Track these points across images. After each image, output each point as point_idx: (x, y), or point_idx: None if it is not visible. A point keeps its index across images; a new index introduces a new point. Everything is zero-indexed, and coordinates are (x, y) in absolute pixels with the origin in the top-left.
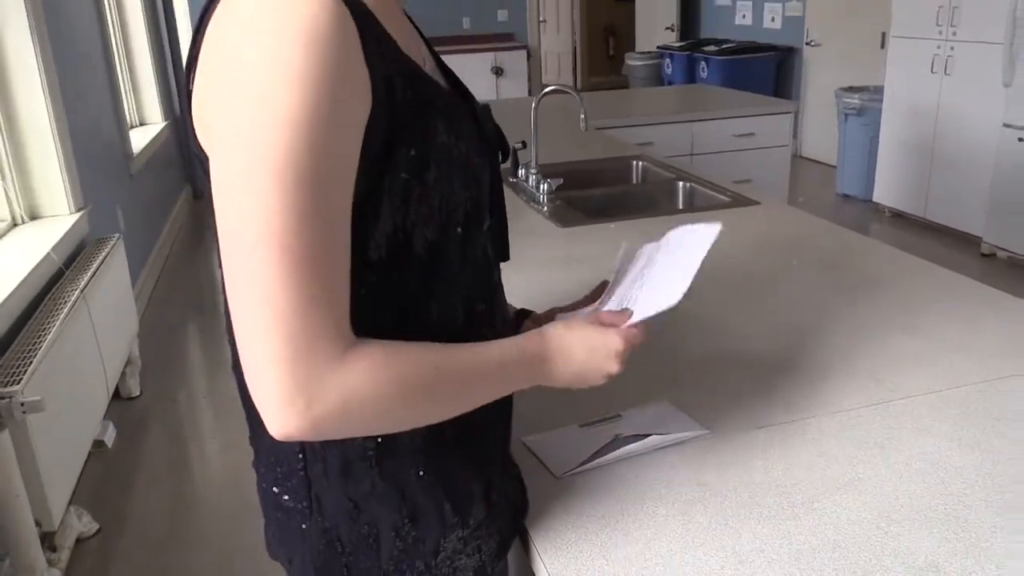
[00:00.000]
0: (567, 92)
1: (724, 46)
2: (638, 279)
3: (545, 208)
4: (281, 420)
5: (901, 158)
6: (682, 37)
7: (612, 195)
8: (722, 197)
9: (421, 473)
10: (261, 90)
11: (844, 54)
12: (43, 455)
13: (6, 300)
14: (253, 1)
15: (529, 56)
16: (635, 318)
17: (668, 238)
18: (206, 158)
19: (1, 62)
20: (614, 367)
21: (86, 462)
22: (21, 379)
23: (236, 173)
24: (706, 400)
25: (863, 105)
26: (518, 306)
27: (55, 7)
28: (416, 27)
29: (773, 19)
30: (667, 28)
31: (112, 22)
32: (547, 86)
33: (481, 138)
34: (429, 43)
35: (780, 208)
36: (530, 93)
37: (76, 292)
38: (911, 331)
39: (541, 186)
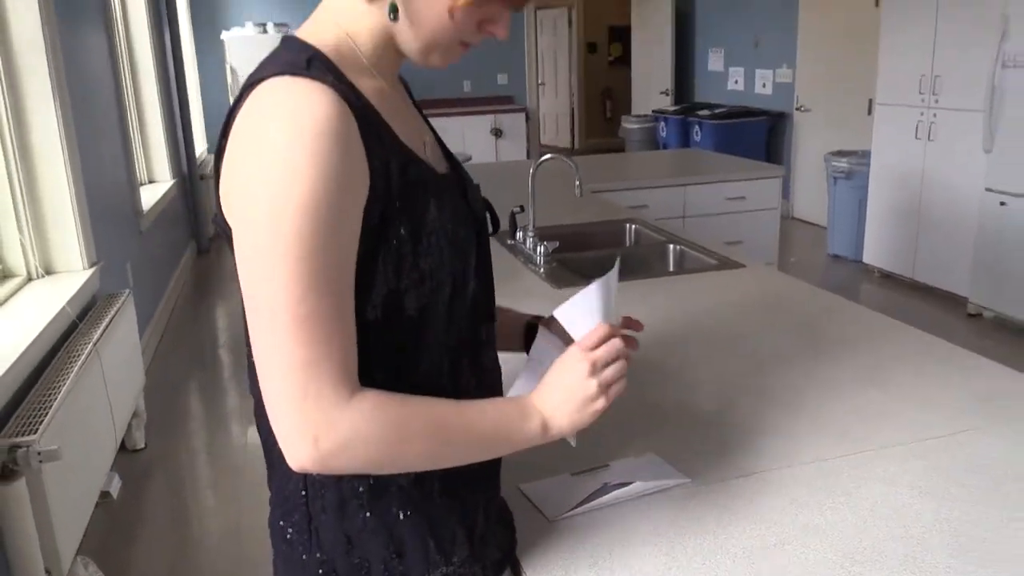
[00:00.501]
0: (564, 160)
1: (717, 111)
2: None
3: (542, 269)
4: (296, 454)
5: (889, 220)
6: (677, 101)
7: (605, 257)
8: (710, 260)
9: (408, 513)
10: (276, 181)
11: (833, 119)
12: (55, 504)
13: (24, 352)
14: (273, 102)
15: (528, 118)
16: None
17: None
18: (230, 230)
19: (24, 123)
20: (591, 387)
21: (93, 512)
22: (38, 429)
23: (256, 250)
24: (688, 451)
25: (851, 169)
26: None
27: (76, 70)
28: (411, 96)
29: (764, 85)
30: (662, 92)
31: (126, 83)
32: (545, 147)
33: (469, 214)
34: (428, 120)
35: (764, 271)
36: (528, 154)
37: (89, 346)
38: (881, 387)
39: (538, 248)
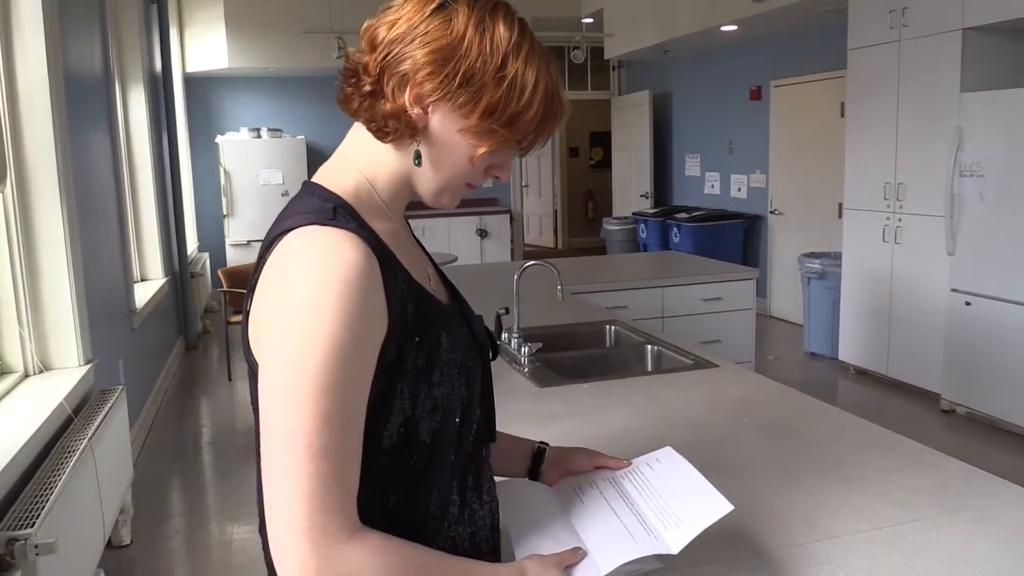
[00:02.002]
0: (546, 265)
1: (695, 213)
2: (636, 512)
3: (526, 369)
4: None
5: (862, 319)
6: (656, 204)
7: (586, 357)
8: (686, 360)
9: None
10: (304, 323)
11: (805, 222)
12: None
13: (22, 447)
14: (302, 250)
15: (512, 219)
16: (613, 565)
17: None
18: (255, 364)
19: (30, 221)
20: None
21: None
22: (35, 522)
23: (280, 384)
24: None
25: (824, 270)
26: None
27: (81, 171)
28: (417, 240)
29: (739, 189)
30: (642, 195)
31: (125, 183)
32: (530, 246)
33: (474, 342)
34: (427, 252)
35: (736, 370)
36: (513, 254)
37: (84, 441)
38: (843, 480)
39: (522, 349)
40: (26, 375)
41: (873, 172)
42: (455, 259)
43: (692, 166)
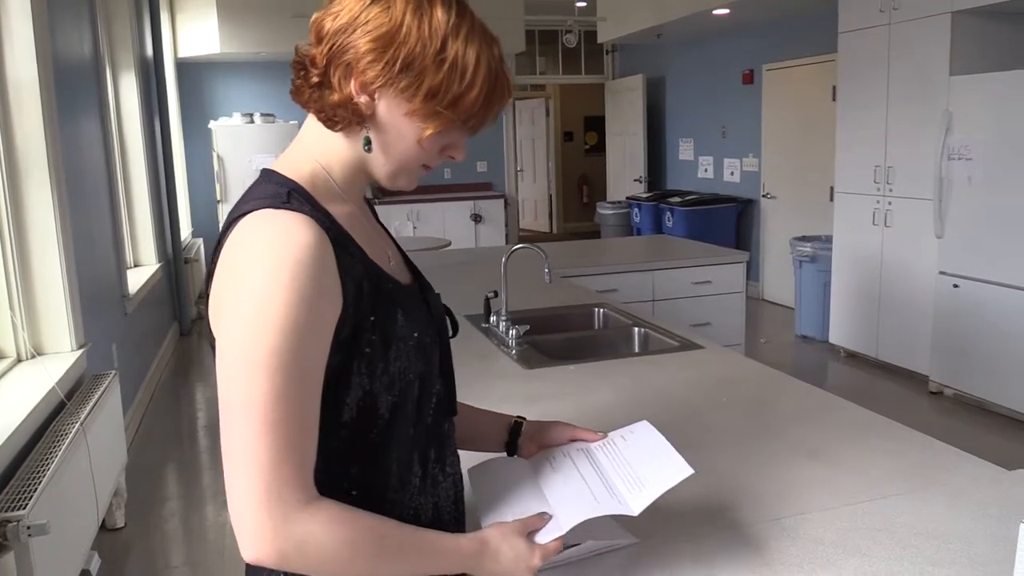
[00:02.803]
0: (534, 248)
1: (688, 197)
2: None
3: (513, 352)
4: (252, 548)
5: (852, 302)
6: (650, 188)
7: (574, 340)
8: (672, 342)
9: None
10: (259, 303)
11: (797, 206)
12: None
13: (15, 430)
14: (257, 233)
15: (507, 204)
16: (571, 523)
17: (624, 445)
18: (214, 340)
19: (21, 208)
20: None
21: None
22: (27, 504)
23: (237, 360)
24: (639, 515)
25: (815, 253)
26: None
27: (72, 158)
28: (375, 215)
29: (732, 173)
30: (636, 179)
31: (117, 170)
32: (524, 231)
33: (431, 320)
34: (391, 234)
35: (721, 352)
36: (507, 239)
37: (76, 425)
38: (815, 458)
39: (510, 332)
40: (18, 360)
41: (863, 155)
42: (449, 243)
43: (686, 150)
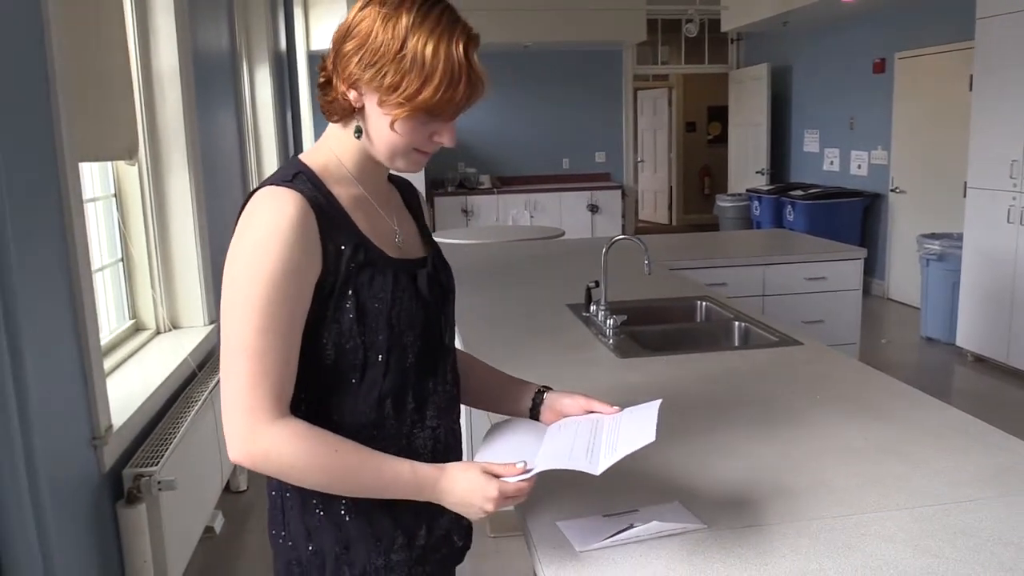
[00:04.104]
0: (634, 240)
1: (811, 191)
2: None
3: (610, 341)
4: (231, 450)
5: (982, 304)
6: (772, 180)
7: (673, 331)
8: (771, 337)
9: (353, 515)
10: (250, 260)
11: (927, 201)
12: (168, 532)
13: (151, 395)
14: (258, 205)
15: (624, 195)
16: (539, 468)
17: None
18: None
19: (163, 193)
20: (488, 507)
21: (197, 545)
22: (159, 461)
23: (232, 304)
24: (711, 502)
25: (943, 251)
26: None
27: (209, 144)
28: (414, 201)
29: (859, 166)
30: (758, 172)
31: (250, 154)
32: (643, 222)
33: (415, 291)
34: (423, 220)
35: (820, 350)
36: (623, 230)
37: (205, 393)
38: (900, 457)
39: (608, 321)
40: (158, 332)
41: (1000, 149)
42: (562, 233)
43: (811, 142)
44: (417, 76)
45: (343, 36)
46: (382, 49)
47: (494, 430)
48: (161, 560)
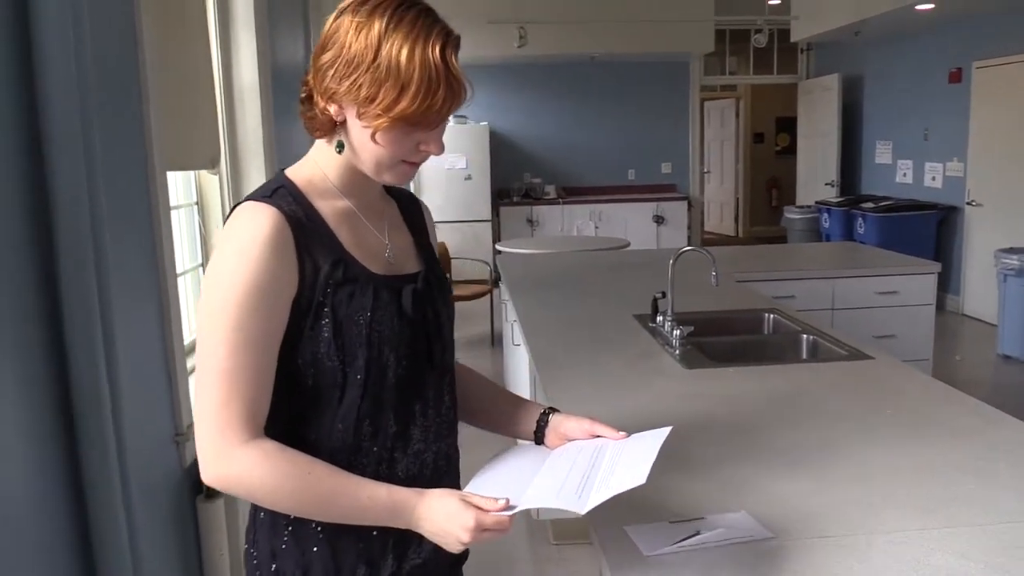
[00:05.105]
0: (702, 251)
1: (882, 203)
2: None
3: (677, 351)
4: (202, 472)
5: None
6: (842, 193)
7: (740, 343)
8: (840, 351)
9: (319, 542)
10: (223, 275)
11: (1006, 215)
12: (243, 526)
13: None
14: (236, 219)
15: (690, 206)
16: (522, 506)
17: (605, 443)
18: None
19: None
20: (465, 537)
21: None
22: None
23: (206, 319)
24: (777, 513)
25: (1023, 266)
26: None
27: (285, 156)
28: (412, 213)
29: (934, 178)
30: (827, 183)
31: None
32: (709, 234)
33: (397, 308)
34: (424, 232)
35: (892, 364)
36: (689, 241)
37: None
38: (975, 475)
39: (674, 332)
40: None
41: None
42: (627, 244)
43: (883, 153)
44: (393, 85)
45: (320, 49)
46: (356, 59)
47: (496, 457)
48: (236, 553)
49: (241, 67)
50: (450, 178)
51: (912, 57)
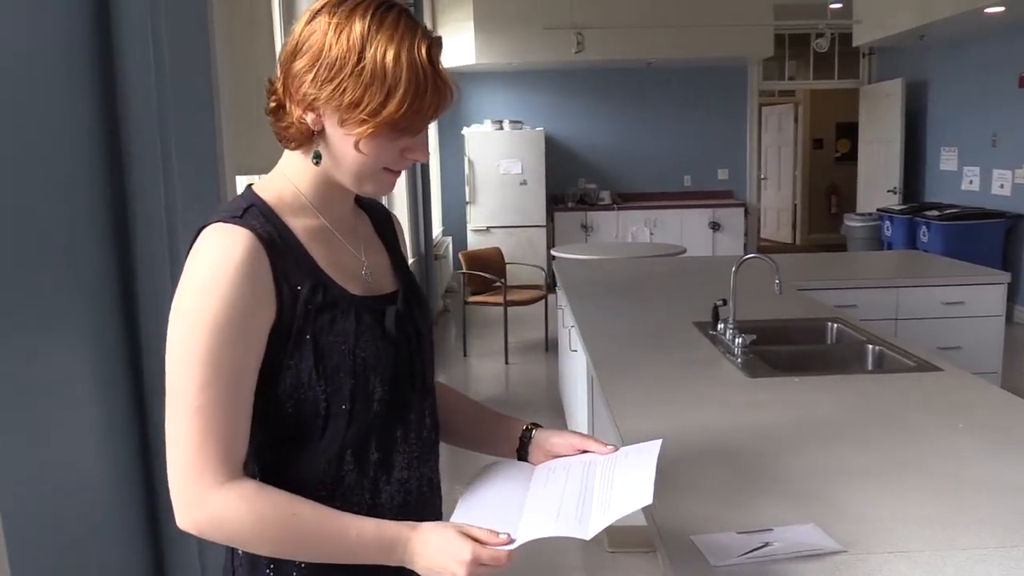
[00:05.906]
0: (765, 259)
1: (947, 211)
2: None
3: (739, 360)
4: (178, 517)
5: None
6: (905, 200)
7: (802, 353)
8: (908, 362)
9: None
10: (194, 303)
11: None
12: None
13: None
14: (205, 242)
15: (747, 213)
16: (522, 540)
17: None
18: None
19: None
20: (460, 572)
21: None
22: None
23: (171, 354)
24: (847, 525)
25: None
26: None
27: None
28: (387, 228)
29: (1002, 186)
30: (889, 191)
31: None
32: (765, 241)
33: (380, 331)
34: (398, 248)
35: (962, 376)
36: (745, 248)
37: None
38: None
39: (736, 340)
40: None
41: None
42: (684, 251)
43: (948, 160)
44: (380, 89)
45: (292, 54)
46: (338, 63)
47: (478, 479)
48: None
49: None
50: (505, 183)
51: (979, 61)
